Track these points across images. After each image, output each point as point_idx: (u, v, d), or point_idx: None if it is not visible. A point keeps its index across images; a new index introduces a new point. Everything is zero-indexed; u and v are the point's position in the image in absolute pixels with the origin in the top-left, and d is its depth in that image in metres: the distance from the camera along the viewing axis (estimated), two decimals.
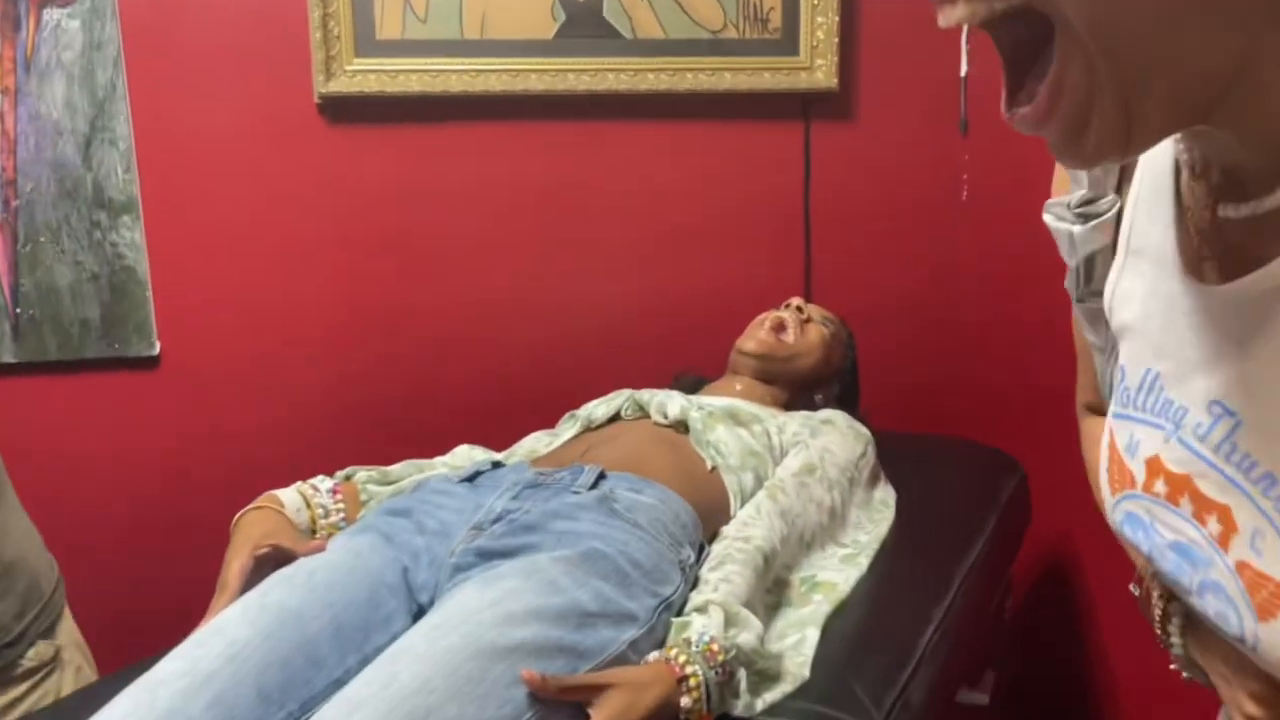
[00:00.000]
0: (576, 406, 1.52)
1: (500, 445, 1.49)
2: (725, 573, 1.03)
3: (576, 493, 1.06)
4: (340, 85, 1.79)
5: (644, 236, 1.94)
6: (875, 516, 1.36)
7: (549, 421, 1.56)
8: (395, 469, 1.22)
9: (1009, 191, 1.80)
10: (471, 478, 1.13)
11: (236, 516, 1.09)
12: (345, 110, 1.82)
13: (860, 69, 1.89)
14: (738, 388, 1.54)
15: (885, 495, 1.42)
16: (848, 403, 1.61)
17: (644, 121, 1.89)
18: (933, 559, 1.29)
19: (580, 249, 1.92)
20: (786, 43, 1.85)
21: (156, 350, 1.84)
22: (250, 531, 1.05)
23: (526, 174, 1.89)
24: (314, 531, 1.13)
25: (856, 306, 1.78)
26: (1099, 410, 0.78)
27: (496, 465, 1.16)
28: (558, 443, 1.38)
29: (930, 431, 1.82)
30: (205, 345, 1.86)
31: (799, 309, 1.57)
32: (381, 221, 1.87)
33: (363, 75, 1.80)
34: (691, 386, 1.64)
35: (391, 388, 1.91)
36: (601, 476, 1.09)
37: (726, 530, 1.15)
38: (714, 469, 1.24)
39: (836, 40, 1.84)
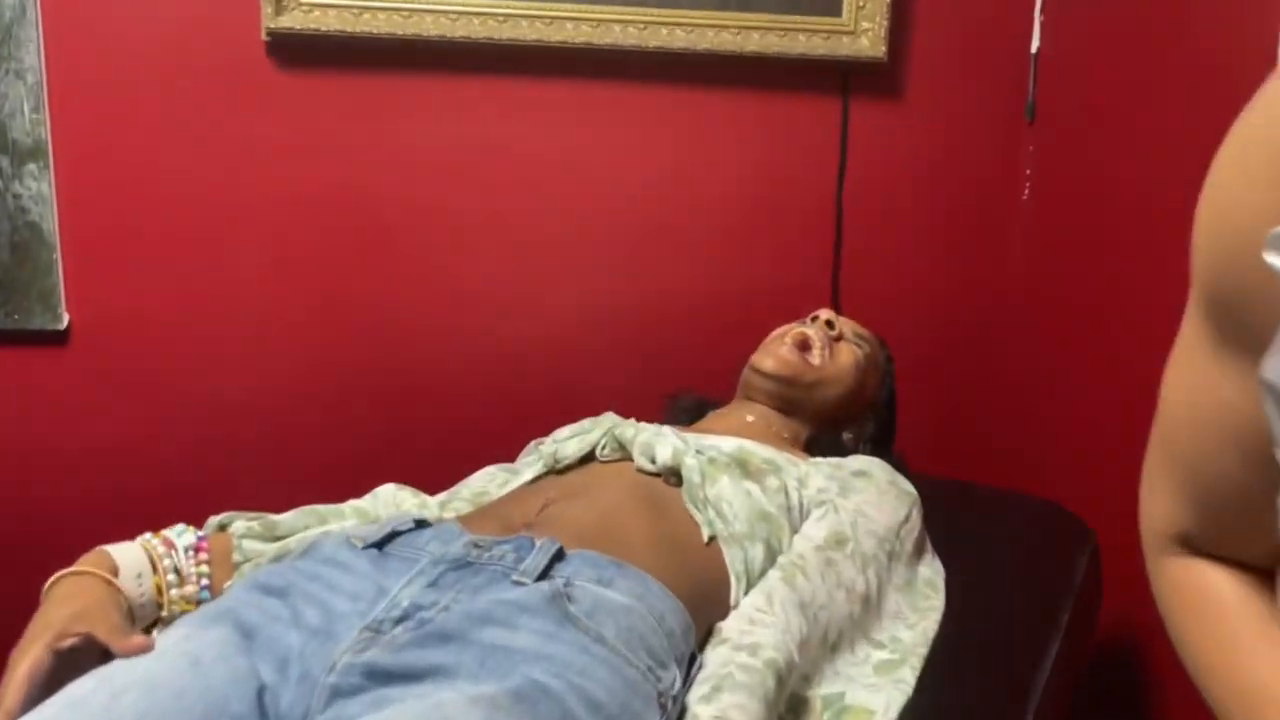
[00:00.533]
0: (543, 427, 1.24)
1: (451, 464, 1.21)
2: (723, 707, 0.73)
3: (519, 583, 0.76)
4: (293, 20, 1.53)
5: (642, 223, 1.67)
6: (920, 604, 1.06)
7: (513, 439, 1.28)
8: (285, 519, 0.92)
9: (1079, 192, 1.56)
10: (382, 542, 0.83)
11: (49, 582, 0.80)
12: (297, 51, 1.56)
13: (913, 37, 1.65)
14: (749, 419, 1.24)
15: (932, 573, 1.12)
16: (882, 444, 1.32)
17: (652, 84, 1.62)
18: (998, 675, 1.00)
19: (564, 235, 1.65)
20: (828, 0, 1.56)
21: (65, 324, 1.58)
22: (55, 613, 0.75)
23: (508, 139, 1.62)
24: (161, 606, 0.83)
25: (891, 320, 1.51)
26: (1199, 547, 0.51)
27: (421, 524, 0.87)
28: (515, 483, 1.09)
29: (971, 478, 1.53)
30: (122, 319, 1.58)
31: (828, 324, 1.27)
32: (335, 184, 1.60)
33: (321, 10, 1.54)
34: (692, 411, 1.34)
35: (341, 377, 1.63)
36: (558, 557, 0.79)
37: (727, 629, 0.86)
38: (712, 539, 0.95)
39: (888, 1, 1.56)
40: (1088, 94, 1.52)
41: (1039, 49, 1.63)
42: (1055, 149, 1.63)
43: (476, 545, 0.81)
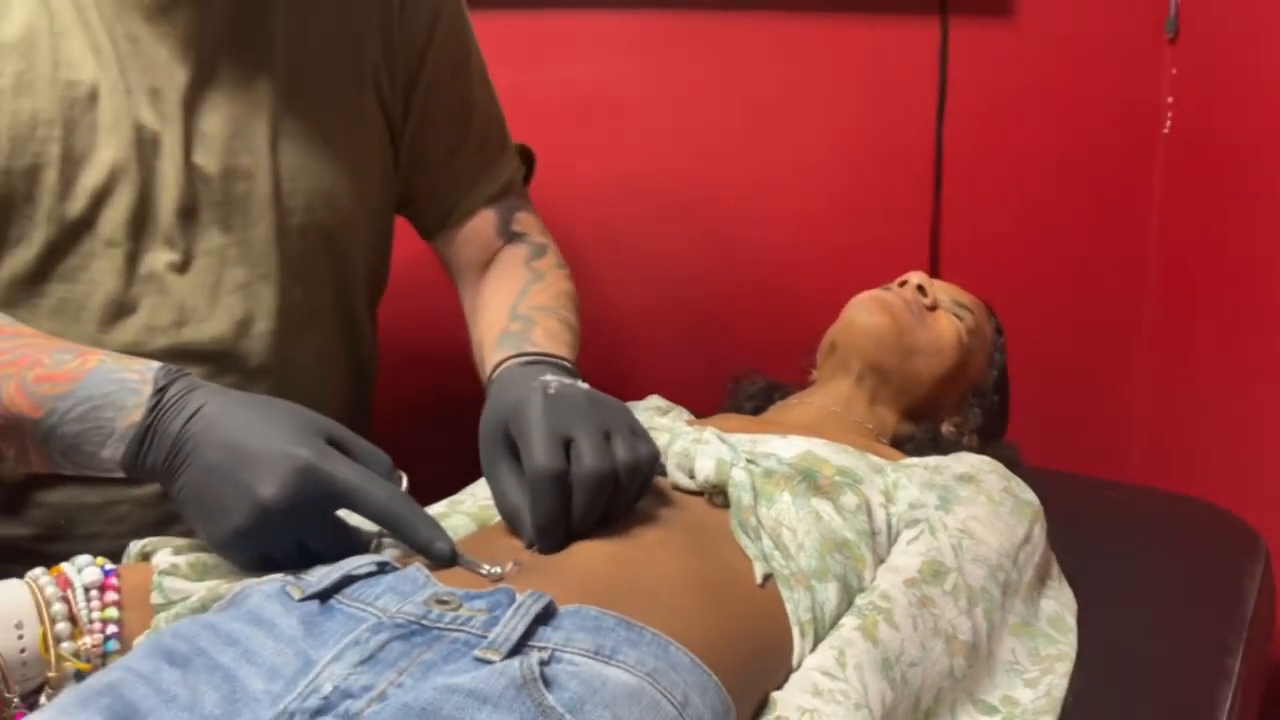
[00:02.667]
0: None
1: None
2: None
3: (484, 659, 0.55)
4: None
5: (702, 173, 1.52)
6: (1044, 650, 0.82)
7: None
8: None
9: (1234, 124, 1.38)
10: (329, 590, 0.63)
11: None
12: None
13: None
14: (824, 407, 1.02)
15: (1059, 608, 0.87)
16: (992, 436, 1.08)
17: (710, 11, 1.46)
18: None
19: (608, 183, 1.49)
20: None
21: None
22: None
23: (569, 77, 1.49)
24: (51, 663, 0.66)
25: (1002, 286, 1.31)
26: None
27: (384, 567, 0.66)
28: None
29: (1099, 474, 1.31)
30: None
31: (920, 289, 1.04)
32: None
33: None
34: (759, 398, 1.13)
35: None
36: (543, 619, 0.58)
37: (783, 705, 0.64)
38: (768, 579, 0.72)
39: None
40: (1242, 2, 1.35)
41: None
42: (1203, 72, 1.45)
43: (440, 601, 0.61)
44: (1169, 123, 1.50)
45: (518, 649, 0.56)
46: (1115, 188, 1.54)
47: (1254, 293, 1.34)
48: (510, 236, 1.04)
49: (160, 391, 0.69)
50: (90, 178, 0.81)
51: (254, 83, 0.87)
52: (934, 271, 1.50)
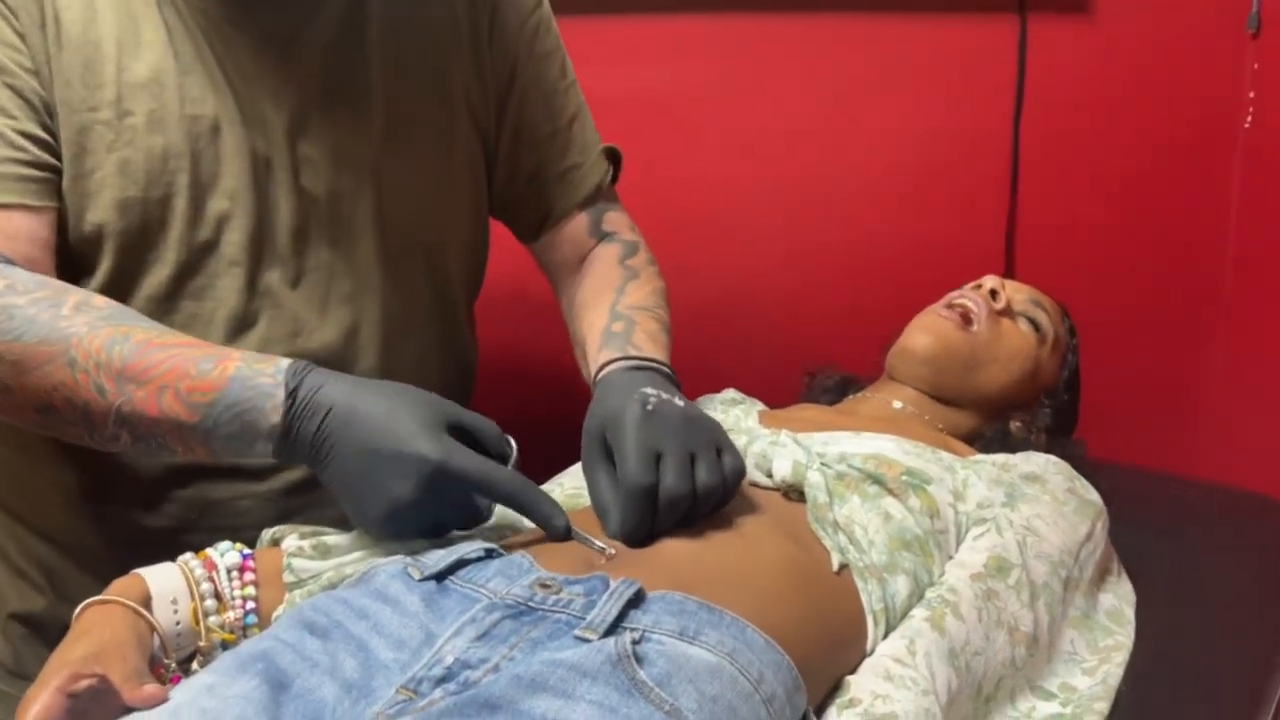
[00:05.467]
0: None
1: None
2: None
3: (582, 638, 0.62)
4: None
5: (780, 173, 1.52)
6: (1101, 641, 0.86)
7: None
8: (341, 540, 0.80)
9: None
10: (444, 572, 0.71)
11: (78, 609, 0.72)
12: None
13: None
14: (896, 405, 1.06)
15: (1118, 601, 0.91)
16: (1060, 435, 1.11)
17: (786, 14, 1.46)
18: None
19: (687, 183, 1.52)
20: None
21: None
22: (71, 650, 0.66)
23: (647, 81, 1.51)
24: (199, 635, 0.74)
25: (1078, 283, 1.31)
26: None
27: (491, 553, 0.74)
28: None
29: (1170, 469, 1.31)
30: None
31: (993, 293, 1.07)
32: None
33: None
34: (834, 393, 1.17)
35: None
36: (634, 602, 0.65)
37: (857, 688, 0.70)
38: (844, 568, 0.78)
39: None
40: None
41: None
42: None
43: (543, 585, 0.68)
44: (1250, 118, 1.45)
45: (612, 630, 0.62)
46: (1194, 184, 1.48)
47: None
48: (602, 236, 1.09)
49: (292, 394, 0.75)
50: (216, 204, 0.88)
51: (353, 110, 0.92)
52: (1009, 270, 1.50)
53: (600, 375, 0.91)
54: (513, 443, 0.80)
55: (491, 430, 0.79)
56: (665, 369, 0.91)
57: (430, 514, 0.75)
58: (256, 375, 0.76)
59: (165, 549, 0.77)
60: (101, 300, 0.80)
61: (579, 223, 1.08)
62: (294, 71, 0.89)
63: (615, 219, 1.10)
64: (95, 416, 0.77)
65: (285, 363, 0.77)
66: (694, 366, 1.45)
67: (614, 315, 0.98)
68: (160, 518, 0.93)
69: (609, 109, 1.45)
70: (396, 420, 0.74)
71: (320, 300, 0.93)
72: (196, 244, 0.88)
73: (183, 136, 0.86)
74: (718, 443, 0.79)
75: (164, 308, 0.88)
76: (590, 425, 0.82)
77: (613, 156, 1.11)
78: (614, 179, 1.12)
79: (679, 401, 0.82)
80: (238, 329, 0.90)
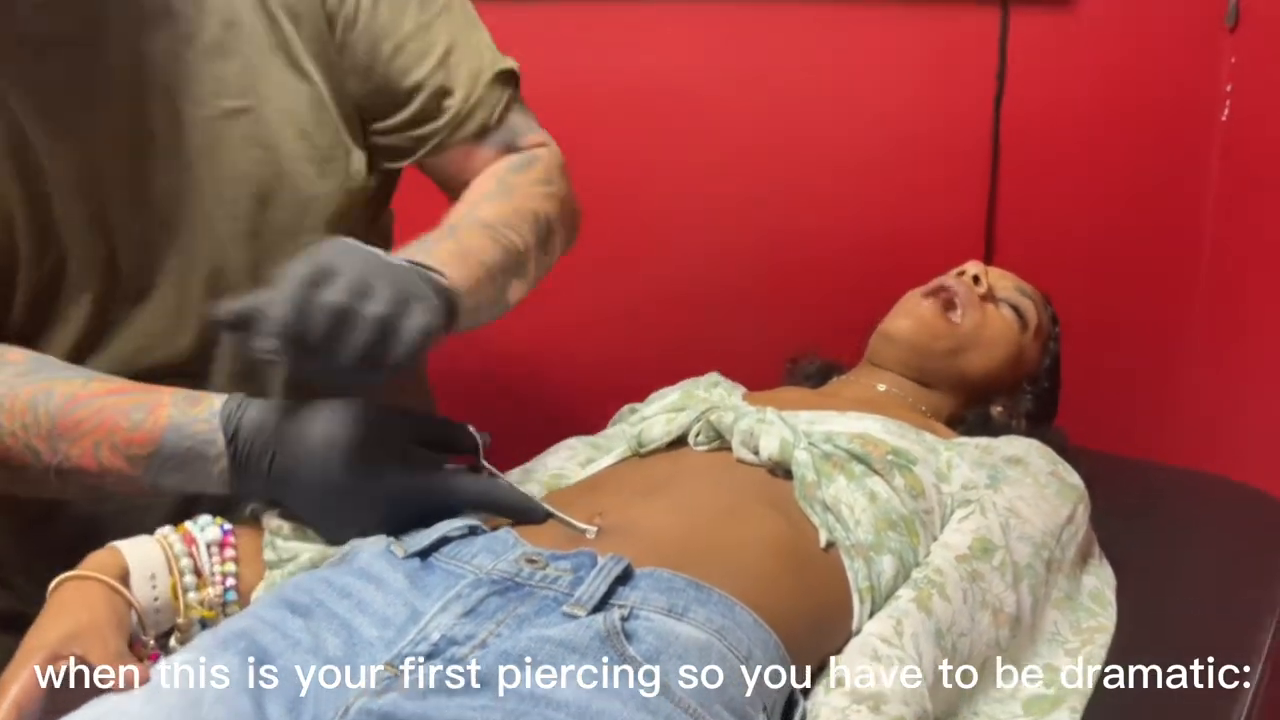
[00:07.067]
0: (656, 380, 1.10)
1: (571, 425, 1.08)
2: None
3: (570, 615, 0.61)
4: None
5: (762, 160, 1.53)
6: (1084, 622, 0.87)
7: (596, 409, 1.13)
8: None
9: None
10: (428, 550, 0.70)
11: (53, 584, 0.70)
12: None
13: None
14: (879, 388, 1.07)
15: (1099, 583, 0.92)
16: (1041, 421, 1.11)
17: (765, 1, 1.47)
18: (1184, 712, 0.80)
19: (669, 169, 1.52)
20: None
21: None
22: (49, 630, 0.65)
23: (632, 65, 1.50)
24: (180, 611, 0.73)
25: (1057, 272, 1.31)
26: None
27: (475, 529, 0.73)
28: (598, 462, 0.94)
29: (1147, 455, 1.32)
30: None
31: (976, 279, 1.08)
32: None
33: None
34: (816, 378, 1.17)
35: None
36: (623, 579, 0.64)
37: (844, 668, 0.70)
38: (831, 545, 0.78)
39: None
40: None
41: None
42: (1262, 61, 1.44)
43: (530, 561, 0.67)
44: (1227, 110, 1.49)
45: (600, 606, 0.62)
46: (1172, 175, 1.52)
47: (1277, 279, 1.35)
48: (507, 150, 0.97)
49: (232, 440, 0.72)
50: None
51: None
52: (989, 258, 1.51)
53: None
54: (479, 436, 0.78)
55: (456, 430, 0.77)
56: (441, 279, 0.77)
57: (405, 525, 0.74)
58: (191, 423, 0.73)
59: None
60: (17, 353, 0.77)
61: (483, 151, 0.95)
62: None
63: (526, 135, 0.97)
64: (33, 477, 0.74)
65: (218, 403, 0.74)
66: (676, 352, 1.46)
67: (444, 226, 0.86)
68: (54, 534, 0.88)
69: (587, 95, 1.45)
70: (347, 453, 0.71)
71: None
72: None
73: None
74: (416, 294, 0.69)
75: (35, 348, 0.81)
76: None
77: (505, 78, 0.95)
78: (511, 101, 0.97)
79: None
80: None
